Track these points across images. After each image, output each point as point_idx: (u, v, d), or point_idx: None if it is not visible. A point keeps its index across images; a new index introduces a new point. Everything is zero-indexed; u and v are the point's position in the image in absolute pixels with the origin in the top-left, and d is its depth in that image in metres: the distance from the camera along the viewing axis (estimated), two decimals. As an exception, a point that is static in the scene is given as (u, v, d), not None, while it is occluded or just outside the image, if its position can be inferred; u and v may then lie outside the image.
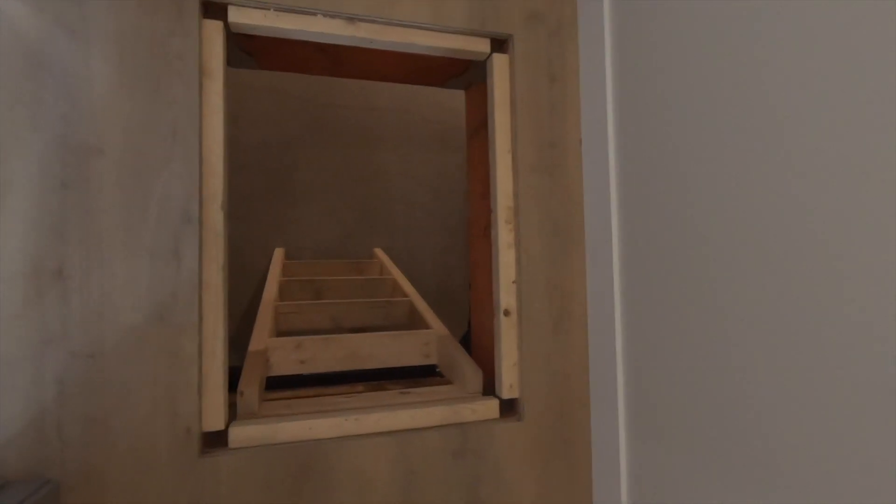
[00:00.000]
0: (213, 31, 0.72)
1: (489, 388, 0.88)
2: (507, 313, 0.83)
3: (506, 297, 0.83)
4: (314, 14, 0.77)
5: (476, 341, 1.04)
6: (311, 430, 0.73)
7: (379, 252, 1.89)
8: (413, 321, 1.26)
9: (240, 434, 0.70)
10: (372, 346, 1.00)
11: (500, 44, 0.87)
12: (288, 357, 0.96)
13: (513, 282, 0.83)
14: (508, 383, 0.82)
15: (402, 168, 2.13)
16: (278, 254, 1.78)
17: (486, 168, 0.96)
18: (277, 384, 1.01)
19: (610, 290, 0.79)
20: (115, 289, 0.65)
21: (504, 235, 0.84)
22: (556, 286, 0.84)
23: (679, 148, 0.67)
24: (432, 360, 1.04)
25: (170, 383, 0.66)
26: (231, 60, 0.91)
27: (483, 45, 0.85)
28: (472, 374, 0.87)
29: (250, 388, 0.78)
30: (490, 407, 0.81)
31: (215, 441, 0.70)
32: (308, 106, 2.02)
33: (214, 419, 0.69)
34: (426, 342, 1.04)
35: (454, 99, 2.18)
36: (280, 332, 1.20)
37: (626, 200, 0.77)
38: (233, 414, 0.75)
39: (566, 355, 0.84)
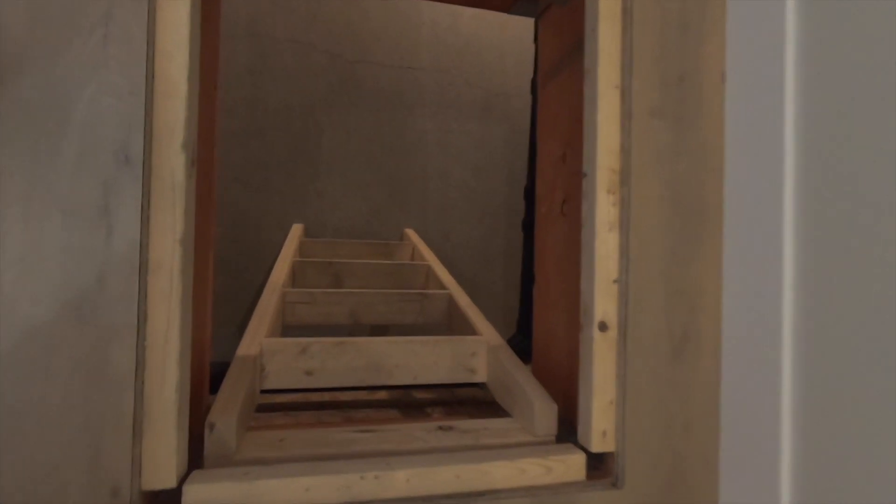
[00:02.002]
0: None
1: (565, 431, 0.62)
2: (603, 327, 0.56)
3: (602, 302, 0.56)
4: None
5: (540, 358, 0.77)
6: (307, 493, 0.48)
7: (410, 233, 1.64)
8: (453, 322, 1.00)
9: (199, 496, 0.46)
10: (400, 355, 0.75)
11: (609, -73, 0.59)
12: (289, 365, 0.72)
13: (614, 281, 0.56)
14: (601, 430, 0.56)
15: (439, 138, 1.85)
16: (295, 230, 1.54)
17: (569, 119, 0.68)
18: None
19: (771, 302, 0.51)
20: (6, 267, 0.41)
21: (603, 211, 0.56)
22: (680, 290, 0.57)
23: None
24: (479, 378, 0.79)
25: (90, 416, 0.42)
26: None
27: (586, -74, 0.57)
28: (542, 409, 0.61)
29: (226, 415, 0.54)
30: (573, 465, 0.55)
31: (162, 504, 0.46)
32: (336, 62, 1.76)
33: (161, 472, 0.45)
34: (473, 353, 0.78)
35: (501, 60, 1.89)
36: (285, 327, 0.96)
37: (811, 169, 0.49)
38: (199, 455, 0.51)
39: (688, 394, 0.57)
